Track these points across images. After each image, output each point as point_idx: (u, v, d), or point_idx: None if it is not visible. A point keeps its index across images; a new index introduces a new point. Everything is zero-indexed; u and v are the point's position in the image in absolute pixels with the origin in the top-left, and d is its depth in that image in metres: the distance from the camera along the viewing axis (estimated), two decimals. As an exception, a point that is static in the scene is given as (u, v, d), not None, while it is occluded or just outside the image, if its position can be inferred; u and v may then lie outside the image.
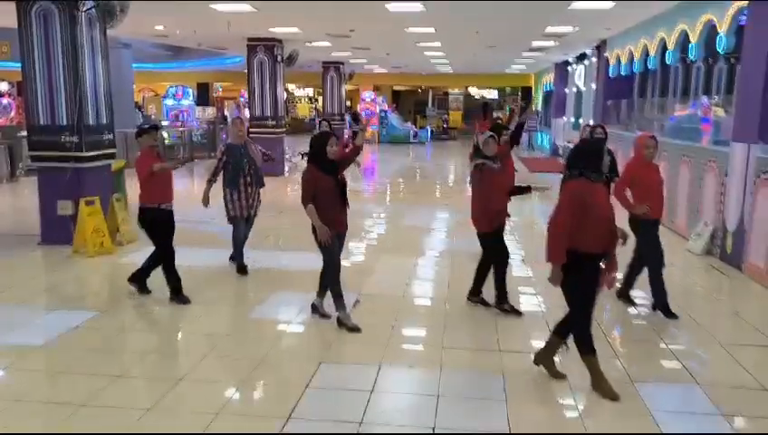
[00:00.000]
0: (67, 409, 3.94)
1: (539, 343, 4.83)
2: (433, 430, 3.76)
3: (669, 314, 5.73)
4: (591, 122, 13.30)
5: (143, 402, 4.02)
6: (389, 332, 5.35)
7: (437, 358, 4.81)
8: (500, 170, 5.76)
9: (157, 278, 6.17)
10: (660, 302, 5.79)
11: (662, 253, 5.80)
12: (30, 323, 5.47)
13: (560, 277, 4.14)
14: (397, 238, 9.32)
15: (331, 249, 5.30)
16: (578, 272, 4.10)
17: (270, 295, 6.26)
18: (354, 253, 8.35)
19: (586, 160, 4.14)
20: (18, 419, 3.86)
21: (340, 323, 5.38)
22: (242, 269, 7.05)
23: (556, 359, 4.52)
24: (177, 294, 6.01)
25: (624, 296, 6.13)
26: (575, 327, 4.28)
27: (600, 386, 4.20)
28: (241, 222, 7.01)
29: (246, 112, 18.23)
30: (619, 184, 5.82)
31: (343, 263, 7.60)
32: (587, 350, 4.25)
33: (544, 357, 4.51)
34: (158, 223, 5.99)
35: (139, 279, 6.20)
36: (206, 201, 6.80)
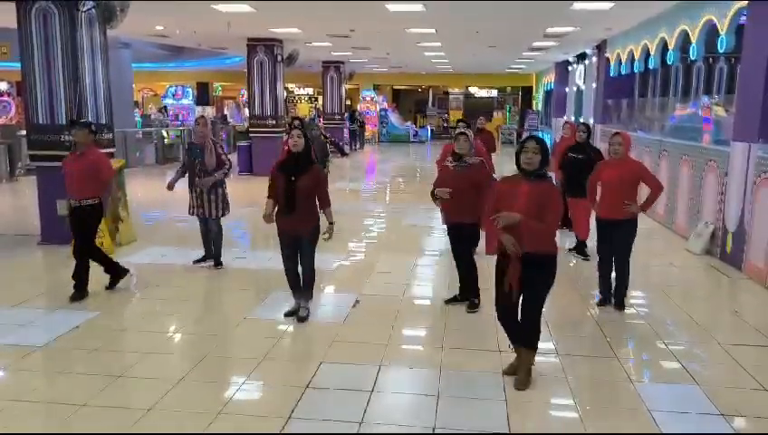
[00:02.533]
0: (67, 409, 3.94)
1: (538, 343, 4.84)
2: (433, 429, 3.76)
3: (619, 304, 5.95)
4: (572, 119, 13.15)
5: (143, 402, 4.02)
6: (389, 332, 5.35)
7: (437, 358, 4.81)
8: (455, 170, 5.64)
9: (157, 275, 6.17)
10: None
11: (602, 255, 5.96)
12: (30, 323, 5.47)
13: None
14: (397, 238, 9.31)
15: (282, 250, 5.53)
16: None
17: (270, 295, 6.26)
18: (354, 252, 8.36)
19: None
20: (18, 419, 3.86)
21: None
22: (217, 264, 7.19)
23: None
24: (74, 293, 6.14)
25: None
26: None
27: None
28: (200, 220, 7.16)
29: (246, 112, 18.24)
30: (591, 177, 6.03)
31: (343, 263, 7.74)
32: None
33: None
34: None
35: (113, 275, 6.39)
36: (170, 187, 7.20)
